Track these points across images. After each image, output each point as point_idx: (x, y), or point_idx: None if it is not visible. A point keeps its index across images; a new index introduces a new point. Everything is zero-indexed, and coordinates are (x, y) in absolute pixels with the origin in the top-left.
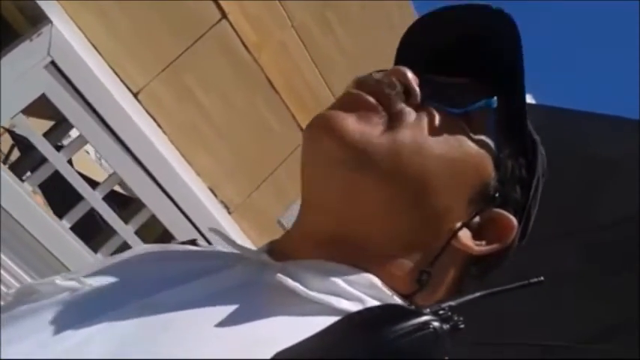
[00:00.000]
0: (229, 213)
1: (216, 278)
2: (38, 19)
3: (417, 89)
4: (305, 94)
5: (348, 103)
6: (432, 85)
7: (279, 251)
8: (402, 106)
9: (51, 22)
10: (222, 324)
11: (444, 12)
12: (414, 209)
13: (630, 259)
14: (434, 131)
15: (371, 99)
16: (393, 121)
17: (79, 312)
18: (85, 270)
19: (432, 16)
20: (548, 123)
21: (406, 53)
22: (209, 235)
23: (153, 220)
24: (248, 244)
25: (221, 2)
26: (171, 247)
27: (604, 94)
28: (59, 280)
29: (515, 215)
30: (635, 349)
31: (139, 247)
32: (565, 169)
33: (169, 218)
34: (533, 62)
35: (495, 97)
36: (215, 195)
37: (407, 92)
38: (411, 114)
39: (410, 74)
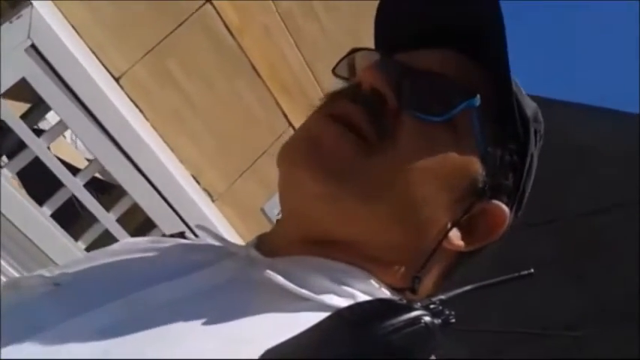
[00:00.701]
0: (213, 201)
1: (203, 274)
2: (18, 1)
3: (393, 96)
4: (289, 80)
5: (318, 135)
6: (409, 84)
7: (269, 246)
8: (379, 124)
9: (31, 3)
10: (209, 321)
11: None
12: (402, 222)
13: (605, 247)
14: (414, 145)
15: (342, 131)
16: (371, 145)
17: (63, 308)
18: (72, 264)
19: None
20: None
21: (383, 27)
22: (194, 226)
23: (135, 207)
24: (232, 233)
25: None
26: (160, 240)
27: (579, 82)
28: (45, 273)
29: (507, 200)
30: (609, 336)
31: (127, 241)
32: (541, 157)
33: (152, 206)
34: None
35: (477, 95)
36: (198, 182)
37: (383, 100)
38: (388, 131)
39: (382, 78)
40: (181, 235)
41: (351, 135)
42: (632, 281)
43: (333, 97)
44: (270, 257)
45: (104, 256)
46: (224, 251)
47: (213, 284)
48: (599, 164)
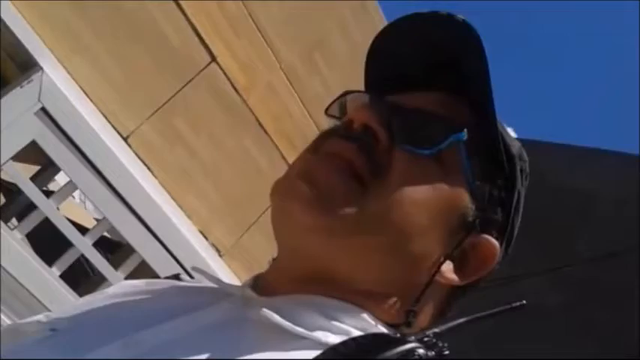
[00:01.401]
0: (220, 256)
1: (200, 315)
2: (28, 66)
3: (384, 132)
4: (294, 135)
5: (318, 172)
6: (399, 120)
7: (264, 286)
8: (371, 160)
9: (41, 68)
10: None
11: (406, 24)
12: (395, 255)
13: (615, 294)
14: (407, 179)
15: (336, 169)
16: (362, 184)
17: (59, 353)
18: (68, 309)
19: (395, 30)
20: (529, 157)
21: (374, 70)
22: (192, 271)
23: (143, 265)
24: None
25: (210, 46)
26: (155, 282)
27: (582, 126)
28: (42, 319)
29: (498, 235)
30: None
31: (123, 283)
32: (545, 202)
33: (160, 263)
34: (511, 95)
35: (465, 130)
36: (206, 238)
37: (374, 137)
38: (380, 167)
39: (373, 116)
40: (176, 277)
41: (345, 172)
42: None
43: (324, 136)
44: (266, 296)
45: (100, 300)
46: (220, 292)
47: (209, 324)
48: (604, 209)
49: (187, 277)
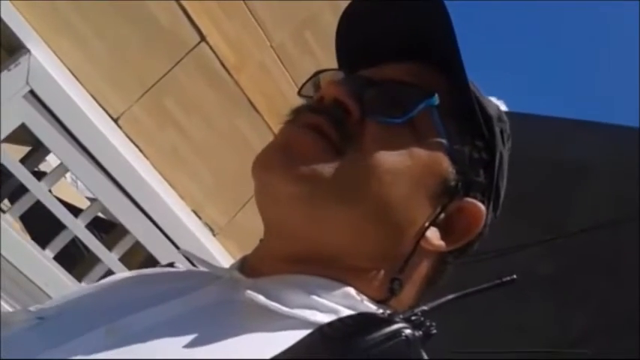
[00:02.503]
0: (214, 235)
1: (187, 299)
2: (16, 49)
3: (356, 105)
4: (286, 113)
5: (290, 141)
6: (370, 92)
7: (252, 267)
8: (344, 131)
9: (29, 51)
10: (191, 345)
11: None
12: (378, 225)
13: (605, 263)
14: (380, 147)
15: (312, 135)
16: (339, 150)
17: (46, 340)
18: (58, 298)
19: (361, 4)
20: (519, 130)
21: (344, 46)
22: (180, 253)
23: (137, 245)
24: None
25: (199, 25)
26: (146, 271)
27: (574, 98)
28: (31, 309)
29: (483, 197)
30: (616, 351)
31: (116, 275)
32: (537, 175)
33: (153, 243)
34: (503, 67)
35: (436, 94)
36: (199, 217)
37: (346, 110)
38: (354, 137)
39: (344, 91)
40: (171, 265)
41: (319, 137)
42: (636, 294)
43: (297, 112)
44: (253, 278)
45: (89, 289)
46: (208, 276)
47: (196, 308)
48: (597, 180)
49: (181, 266)
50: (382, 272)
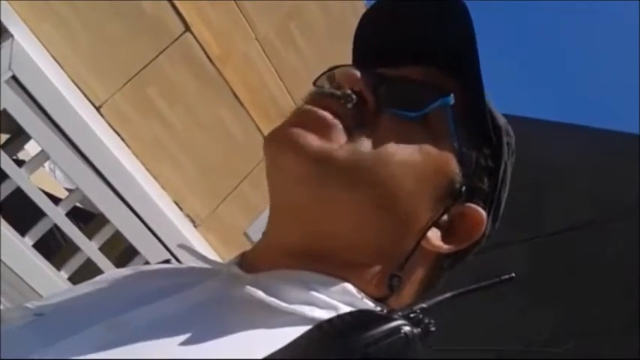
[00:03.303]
0: (195, 227)
1: (185, 295)
2: None
3: (372, 96)
4: (269, 106)
5: (306, 120)
6: (386, 86)
7: (251, 263)
8: (359, 117)
9: (12, 35)
10: (190, 342)
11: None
12: (382, 215)
13: (579, 264)
14: (393, 138)
15: (328, 115)
16: (352, 134)
17: (45, 337)
18: (55, 295)
19: (383, 5)
20: None
21: (362, 46)
22: (177, 252)
23: (117, 235)
24: (216, 258)
25: (184, 14)
26: (142, 268)
27: (551, 100)
28: (29, 306)
29: (484, 205)
30: (590, 350)
31: (111, 271)
32: (514, 176)
33: (134, 233)
34: (492, 69)
35: (452, 94)
36: (181, 209)
37: (362, 99)
38: (368, 125)
39: (362, 81)
40: (166, 262)
41: (335, 120)
42: (610, 295)
43: (313, 96)
44: (252, 273)
45: (86, 286)
46: (207, 272)
47: (195, 303)
48: (573, 181)
49: (176, 263)
50: (382, 269)
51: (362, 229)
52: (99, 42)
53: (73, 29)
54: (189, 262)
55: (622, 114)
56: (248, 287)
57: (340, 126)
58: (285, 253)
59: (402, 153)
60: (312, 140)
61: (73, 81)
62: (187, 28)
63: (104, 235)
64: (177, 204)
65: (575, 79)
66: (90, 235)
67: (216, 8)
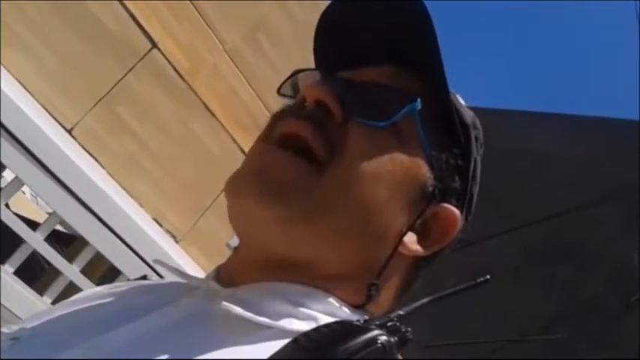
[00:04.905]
0: (176, 242)
1: (163, 313)
2: None
3: (338, 108)
4: (243, 116)
5: (265, 165)
6: (352, 94)
7: (227, 276)
8: (326, 137)
9: None
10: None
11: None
12: (357, 234)
13: (567, 249)
14: (363, 152)
15: (288, 158)
16: (321, 163)
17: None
18: (31, 318)
19: (342, 5)
20: (481, 124)
21: (323, 47)
22: (159, 268)
23: (98, 256)
24: (199, 271)
25: (150, 31)
26: (119, 285)
27: (527, 90)
28: (5, 330)
29: (457, 203)
30: (585, 335)
31: (86, 291)
32: (497, 166)
33: (115, 253)
34: (455, 64)
35: (418, 99)
36: (160, 225)
37: (328, 112)
38: (336, 144)
39: (326, 92)
40: (143, 278)
41: (300, 159)
42: (599, 278)
43: (277, 117)
44: (230, 287)
45: (62, 307)
46: (185, 287)
47: (172, 322)
48: (553, 169)
49: (155, 277)
50: (359, 278)
51: (338, 248)
52: (65, 65)
53: (38, 53)
54: (170, 276)
55: (604, 100)
56: (225, 303)
57: (305, 166)
58: (261, 267)
59: (373, 167)
60: (274, 186)
61: (42, 105)
62: (154, 45)
63: (85, 257)
64: (156, 221)
65: (557, 68)
66: (71, 259)
67: (182, 23)
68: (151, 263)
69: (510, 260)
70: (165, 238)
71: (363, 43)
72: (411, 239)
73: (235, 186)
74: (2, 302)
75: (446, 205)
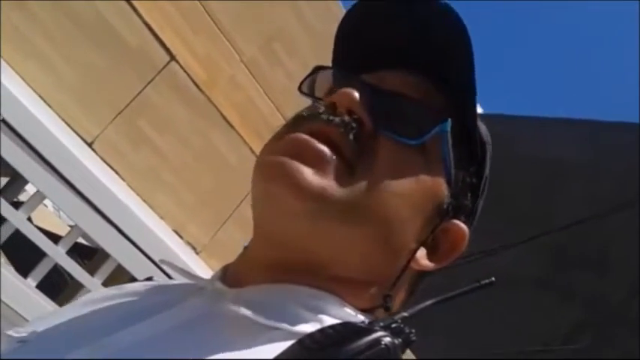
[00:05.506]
0: (197, 253)
1: (168, 314)
2: None
3: (369, 118)
4: (261, 127)
5: (303, 152)
6: (382, 105)
7: (234, 276)
8: (357, 145)
9: None
10: None
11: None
12: (376, 245)
13: (590, 258)
14: (390, 168)
15: (326, 150)
16: (350, 167)
17: None
18: (38, 320)
19: (371, 5)
20: (497, 131)
21: (344, 48)
22: (160, 264)
23: (119, 269)
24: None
25: (168, 44)
26: (126, 287)
27: (549, 97)
28: (13, 333)
29: (466, 219)
30: (608, 344)
31: (94, 292)
32: (518, 175)
33: (136, 265)
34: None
35: (449, 120)
36: (181, 237)
37: (359, 121)
38: (366, 153)
39: (359, 102)
40: (149, 279)
41: (333, 154)
42: (622, 286)
43: (304, 116)
44: (237, 287)
45: (70, 309)
46: (191, 287)
47: (178, 323)
48: (573, 175)
49: (162, 278)
50: (370, 286)
51: (356, 257)
52: (85, 78)
53: (58, 68)
54: (178, 277)
55: (623, 105)
56: (231, 304)
57: (338, 161)
58: (272, 267)
59: (400, 186)
60: (309, 176)
61: (63, 119)
62: (172, 57)
63: (107, 269)
64: (177, 232)
65: (577, 73)
66: (92, 271)
67: (200, 35)
68: (173, 277)
69: (531, 270)
70: (186, 250)
71: (388, 47)
72: (421, 254)
73: (271, 171)
74: (24, 316)
75: (456, 221)
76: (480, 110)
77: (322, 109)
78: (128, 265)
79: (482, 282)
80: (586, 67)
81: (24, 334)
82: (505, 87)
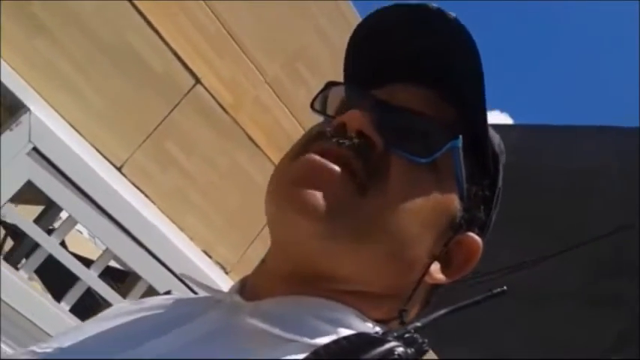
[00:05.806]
0: (226, 273)
1: (187, 328)
2: (16, 108)
3: (379, 138)
4: (286, 146)
5: (313, 174)
6: (392, 123)
7: (252, 289)
8: (369, 166)
9: (29, 109)
10: None
11: (394, 15)
12: (390, 263)
13: (630, 267)
14: (402, 187)
15: (337, 170)
16: (362, 187)
17: None
18: (60, 336)
19: (381, 20)
20: (529, 142)
21: (355, 62)
22: (181, 277)
23: (151, 290)
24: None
25: (193, 68)
26: (145, 301)
27: (579, 105)
28: (36, 349)
29: (480, 231)
30: None
31: (116, 306)
32: (548, 186)
33: (167, 287)
34: (506, 81)
35: (460, 137)
36: (210, 257)
37: (369, 141)
38: (377, 173)
39: (369, 125)
40: (168, 293)
41: (345, 174)
42: None
43: (313, 137)
44: (254, 300)
45: (90, 325)
46: (209, 301)
47: (197, 337)
48: (607, 183)
49: (181, 291)
50: (385, 299)
51: (370, 273)
52: (112, 104)
53: (87, 95)
54: (199, 291)
55: None
56: (249, 316)
57: (349, 181)
58: (289, 280)
59: (412, 205)
60: (320, 201)
61: (92, 145)
62: (198, 81)
63: (138, 291)
64: (206, 253)
65: (602, 79)
66: (125, 294)
67: (224, 58)
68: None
69: (571, 281)
70: (215, 270)
71: (400, 61)
72: (435, 267)
73: (282, 195)
74: None
75: (470, 234)
76: (510, 121)
77: (333, 129)
78: (159, 287)
79: (494, 291)
80: (615, 72)
81: (48, 350)
82: (534, 97)
